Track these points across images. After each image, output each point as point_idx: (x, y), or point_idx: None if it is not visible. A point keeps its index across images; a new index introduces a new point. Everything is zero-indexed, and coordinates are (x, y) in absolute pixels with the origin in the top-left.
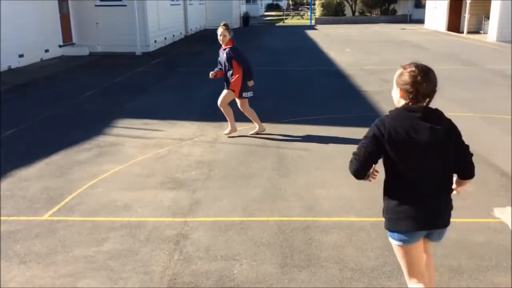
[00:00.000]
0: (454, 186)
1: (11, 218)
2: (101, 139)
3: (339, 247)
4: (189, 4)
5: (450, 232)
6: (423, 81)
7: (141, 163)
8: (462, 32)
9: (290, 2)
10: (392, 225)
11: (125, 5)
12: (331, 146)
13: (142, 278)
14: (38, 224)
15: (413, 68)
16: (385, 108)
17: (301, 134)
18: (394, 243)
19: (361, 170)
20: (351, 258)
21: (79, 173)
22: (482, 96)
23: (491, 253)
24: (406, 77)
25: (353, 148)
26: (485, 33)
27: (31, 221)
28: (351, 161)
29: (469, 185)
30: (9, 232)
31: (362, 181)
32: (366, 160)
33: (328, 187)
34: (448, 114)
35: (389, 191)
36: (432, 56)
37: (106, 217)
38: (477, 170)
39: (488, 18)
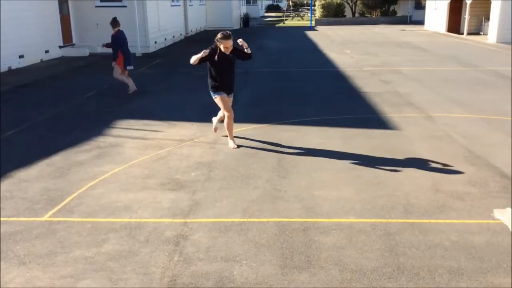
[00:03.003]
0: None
1: (11, 219)
2: (101, 140)
3: (339, 248)
4: (189, 5)
5: (450, 233)
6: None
7: (141, 164)
8: (462, 33)
9: (290, 3)
10: (215, 90)
11: (125, 6)
12: (331, 147)
13: (142, 279)
14: (38, 225)
15: (221, 33)
16: (386, 109)
17: (301, 135)
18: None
19: (197, 62)
20: (351, 260)
21: (79, 174)
22: (482, 98)
23: (491, 254)
24: (218, 37)
25: (354, 149)
26: (485, 34)
27: (31, 222)
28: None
29: None
30: (9, 233)
31: (361, 183)
32: (201, 59)
33: (328, 188)
34: (448, 115)
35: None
36: (432, 57)
37: (106, 218)
38: (477, 171)
39: (488, 19)
